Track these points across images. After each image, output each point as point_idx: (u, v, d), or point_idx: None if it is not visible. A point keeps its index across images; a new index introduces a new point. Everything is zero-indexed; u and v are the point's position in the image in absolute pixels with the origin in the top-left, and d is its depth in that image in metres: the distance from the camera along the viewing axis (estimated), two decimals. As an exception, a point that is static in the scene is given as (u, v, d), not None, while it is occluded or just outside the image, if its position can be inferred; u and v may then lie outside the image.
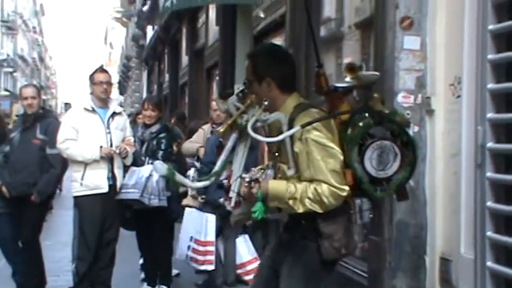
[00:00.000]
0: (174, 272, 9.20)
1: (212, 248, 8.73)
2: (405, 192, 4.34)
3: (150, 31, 26.73)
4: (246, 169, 4.34)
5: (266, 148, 5.86)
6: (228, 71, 12.48)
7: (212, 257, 8.74)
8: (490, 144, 4.68)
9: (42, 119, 8.47)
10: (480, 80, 4.76)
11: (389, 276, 5.66)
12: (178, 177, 4.64)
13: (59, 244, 8.90)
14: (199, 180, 5.46)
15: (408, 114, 5.54)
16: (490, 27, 4.65)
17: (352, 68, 4.52)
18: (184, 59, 20.49)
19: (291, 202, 4.03)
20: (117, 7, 40.24)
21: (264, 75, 4.25)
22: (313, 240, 4.13)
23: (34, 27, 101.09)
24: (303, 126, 3.92)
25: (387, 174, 4.08)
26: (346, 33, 8.18)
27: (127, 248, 8.75)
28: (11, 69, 75.34)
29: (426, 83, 5.59)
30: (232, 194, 4.39)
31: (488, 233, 4.66)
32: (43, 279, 8.51)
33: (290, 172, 4.07)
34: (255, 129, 4.13)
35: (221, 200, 7.89)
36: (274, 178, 4.33)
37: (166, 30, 21.92)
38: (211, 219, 8.63)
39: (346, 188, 3.99)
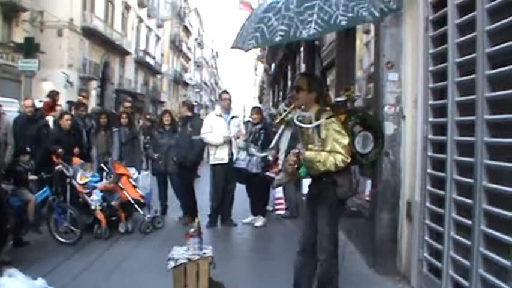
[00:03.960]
0: (269, 208, 9.51)
1: (281, 201, 9.17)
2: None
3: (273, 66, 27.00)
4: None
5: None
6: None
7: (282, 206, 9.20)
8: (430, 136, 4.84)
9: (191, 119, 9.02)
10: (426, 99, 4.93)
11: (379, 211, 5.79)
12: (251, 149, 5.20)
13: (204, 190, 9.40)
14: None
15: (391, 116, 5.73)
16: (430, 68, 4.82)
17: (347, 89, 4.83)
18: (289, 83, 20.01)
19: (317, 164, 4.20)
20: (258, 52, 40.56)
21: (313, 89, 4.44)
22: (332, 188, 4.30)
23: (212, 65, 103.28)
24: (326, 119, 4.21)
25: (366, 151, 4.34)
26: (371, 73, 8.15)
27: (240, 194, 9.14)
28: (198, 90, 77.34)
29: (401, 100, 5.65)
30: (280, 163, 4.67)
31: (428, 187, 4.84)
32: (196, 208, 8.82)
33: (315, 148, 4.28)
34: (300, 121, 4.39)
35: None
36: None
37: (280, 66, 21.99)
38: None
39: (349, 158, 4.20)
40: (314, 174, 4.44)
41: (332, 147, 4.19)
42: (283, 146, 4.67)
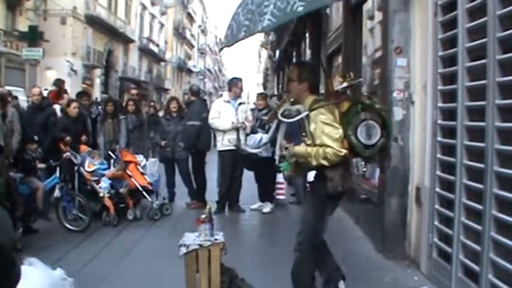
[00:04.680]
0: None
1: (282, 186, 9.21)
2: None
3: (277, 53, 26.96)
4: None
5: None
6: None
7: (283, 191, 9.24)
8: (439, 121, 4.85)
9: (191, 103, 9.14)
10: (435, 84, 4.94)
11: (388, 197, 5.81)
12: (242, 146, 4.97)
13: (211, 177, 9.44)
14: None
15: (400, 101, 5.74)
16: (440, 53, 4.81)
17: (343, 76, 4.67)
18: None
19: (309, 159, 3.95)
20: (261, 38, 40.27)
21: (304, 79, 4.15)
22: (322, 181, 3.99)
23: (216, 52, 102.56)
24: (310, 110, 3.90)
25: (373, 142, 3.98)
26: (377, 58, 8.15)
27: (248, 180, 9.19)
28: (202, 77, 77.04)
29: (410, 85, 5.66)
30: (276, 156, 4.47)
31: (437, 172, 4.86)
32: (204, 195, 8.91)
33: (308, 141, 4.00)
34: (285, 116, 4.13)
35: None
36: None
37: (285, 52, 21.99)
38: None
39: (343, 150, 3.87)
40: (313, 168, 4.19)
41: (321, 140, 3.91)
42: (280, 140, 4.39)
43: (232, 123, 8.29)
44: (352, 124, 3.99)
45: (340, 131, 3.94)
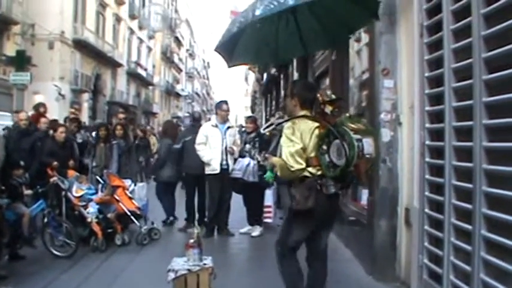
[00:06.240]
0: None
1: (270, 209, 8.92)
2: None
3: (265, 76, 27.02)
4: None
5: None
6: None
7: (271, 214, 8.95)
8: (427, 142, 4.83)
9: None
10: (422, 105, 4.95)
11: (377, 218, 5.80)
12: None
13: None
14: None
15: (387, 123, 5.77)
16: (426, 74, 4.82)
17: (321, 94, 4.61)
18: (282, 92, 20.22)
19: (277, 169, 4.26)
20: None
21: (294, 95, 4.40)
22: (289, 198, 4.22)
23: (204, 75, 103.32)
24: (276, 125, 4.14)
25: (342, 163, 3.94)
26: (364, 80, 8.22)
27: (237, 203, 9.14)
28: (190, 101, 77.25)
29: (397, 106, 5.67)
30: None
31: (426, 193, 4.84)
32: (192, 219, 8.98)
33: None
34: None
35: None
36: None
37: (273, 76, 22.15)
38: (268, 192, 8.75)
39: (296, 166, 4.03)
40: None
41: (282, 153, 4.14)
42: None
43: (210, 160, 8.38)
44: (325, 142, 4.07)
45: (298, 146, 4.07)
